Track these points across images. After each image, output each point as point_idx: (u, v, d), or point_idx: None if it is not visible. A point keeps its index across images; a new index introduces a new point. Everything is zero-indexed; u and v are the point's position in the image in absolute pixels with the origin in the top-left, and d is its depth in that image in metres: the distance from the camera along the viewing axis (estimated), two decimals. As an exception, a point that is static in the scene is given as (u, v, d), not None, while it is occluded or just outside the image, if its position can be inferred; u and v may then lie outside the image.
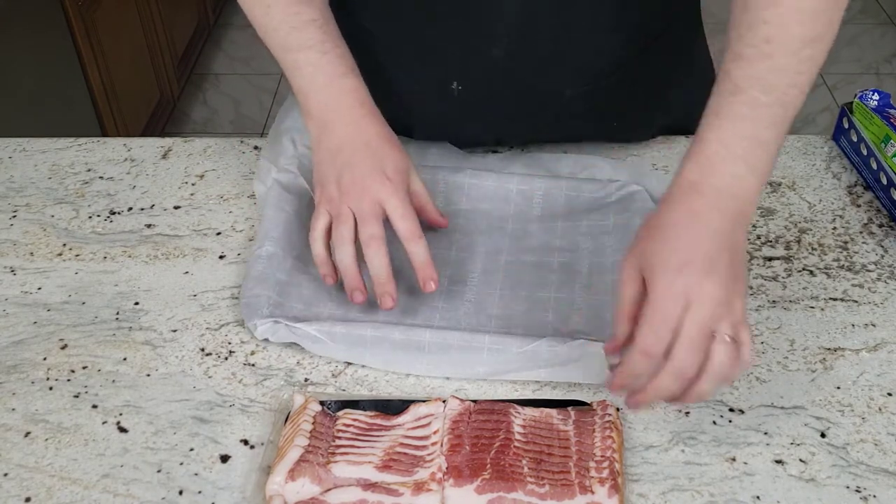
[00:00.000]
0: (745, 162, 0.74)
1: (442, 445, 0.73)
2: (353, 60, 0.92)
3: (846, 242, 0.95)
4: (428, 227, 0.91)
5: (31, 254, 0.96)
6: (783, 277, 0.91)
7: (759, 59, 0.75)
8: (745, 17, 0.76)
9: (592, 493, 0.69)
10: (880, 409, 0.78)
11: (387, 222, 0.86)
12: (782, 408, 0.79)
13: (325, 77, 0.90)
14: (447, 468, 0.71)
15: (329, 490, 0.70)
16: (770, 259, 0.93)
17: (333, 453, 0.72)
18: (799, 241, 0.96)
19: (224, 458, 0.75)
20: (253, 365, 0.83)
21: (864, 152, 1.02)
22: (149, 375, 0.82)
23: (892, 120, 1.00)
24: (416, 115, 1.01)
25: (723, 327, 0.70)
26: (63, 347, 0.85)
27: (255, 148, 1.10)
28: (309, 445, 0.72)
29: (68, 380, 0.82)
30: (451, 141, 1.06)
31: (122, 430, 0.78)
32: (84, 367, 0.83)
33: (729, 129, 0.75)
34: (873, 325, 0.86)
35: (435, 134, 1.04)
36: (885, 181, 0.98)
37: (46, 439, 0.77)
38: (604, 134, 1.06)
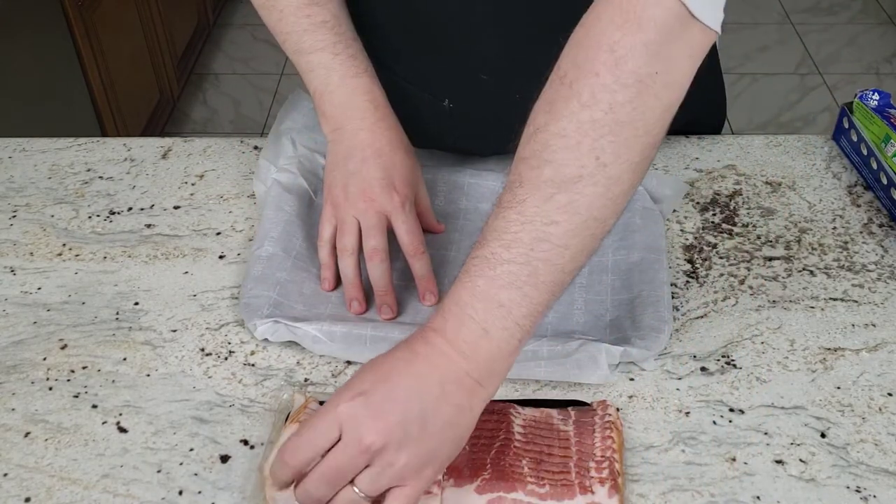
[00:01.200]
0: (476, 325, 0.65)
1: (442, 445, 0.73)
2: (367, 61, 0.92)
3: (846, 242, 0.95)
4: (425, 228, 0.92)
5: (31, 254, 0.96)
6: (783, 277, 0.91)
7: (510, 205, 0.66)
8: (519, 151, 0.68)
9: (592, 493, 0.69)
10: (880, 409, 0.78)
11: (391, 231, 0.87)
12: (782, 408, 0.79)
13: (338, 78, 0.90)
14: (447, 468, 0.71)
15: None
16: (770, 259, 0.93)
17: (333, 453, 0.72)
18: (799, 241, 0.96)
19: (224, 459, 0.75)
20: (253, 365, 0.83)
21: (865, 152, 1.02)
22: (149, 375, 0.82)
23: (892, 120, 1.00)
24: (412, 127, 1.01)
25: (361, 479, 0.63)
26: (63, 347, 0.85)
27: (255, 148, 1.10)
28: (309, 445, 0.72)
29: (68, 380, 0.82)
30: (450, 150, 1.06)
31: (122, 430, 0.78)
32: (84, 368, 0.83)
33: (465, 286, 0.66)
34: (873, 325, 0.86)
35: (433, 144, 1.04)
36: (885, 181, 0.98)
37: (46, 439, 0.77)
38: None
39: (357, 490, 0.63)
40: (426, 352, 0.66)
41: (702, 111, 1.11)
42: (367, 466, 0.63)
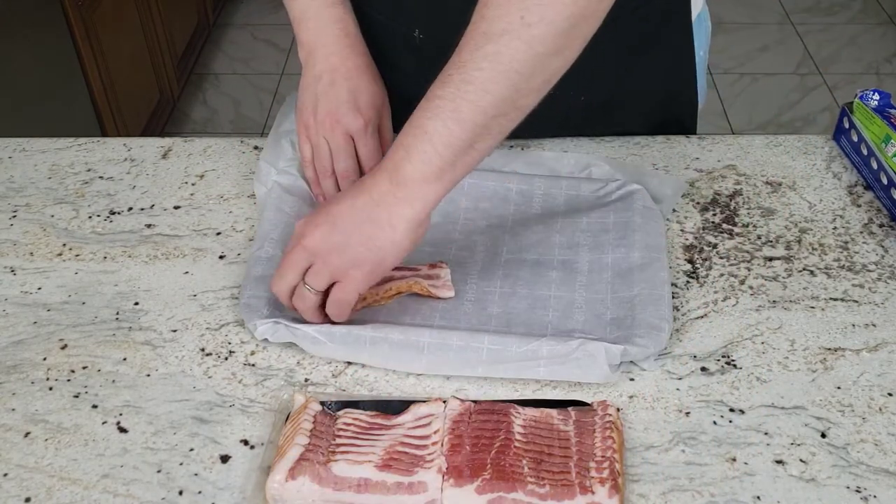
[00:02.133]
0: (404, 148, 0.78)
1: (442, 445, 0.73)
2: None
3: (846, 242, 0.95)
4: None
5: (31, 254, 0.96)
6: (783, 277, 0.91)
7: (455, 53, 0.77)
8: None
9: (593, 493, 0.69)
10: (881, 410, 0.78)
11: None
12: (783, 408, 0.79)
13: (315, 6, 0.97)
14: (447, 468, 0.71)
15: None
16: (770, 259, 0.93)
17: (334, 452, 0.72)
18: (799, 241, 0.96)
19: (224, 459, 0.75)
20: (253, 365, 0.83)
21: (865, 152, 1.02)
22: (149, 375, 0.82)
23: (892, 120, 1.00)
24: (383, 61, 1.04)
25: (308, 277, 0.80)
26: (63, 347, 0.85)
27: (255, 148, 1.10)
28: (309, 444, 0.72)
29: (68, 380, 0.82)
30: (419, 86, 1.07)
31: (122, 430, 0.78)
32: (84, 368, 0.83)
33: (409, 121, 0.79)
34: (874, 325, 0.86)
35: (403, 80, 1.05)
36: (885, 181, 0.98)
37: (46, 439, 0.77)
38: (577, 96, 1.06)
39: (305, 283, 0.81)
40: (365, 180, 0.81)
41: (674, 114, 1.12)
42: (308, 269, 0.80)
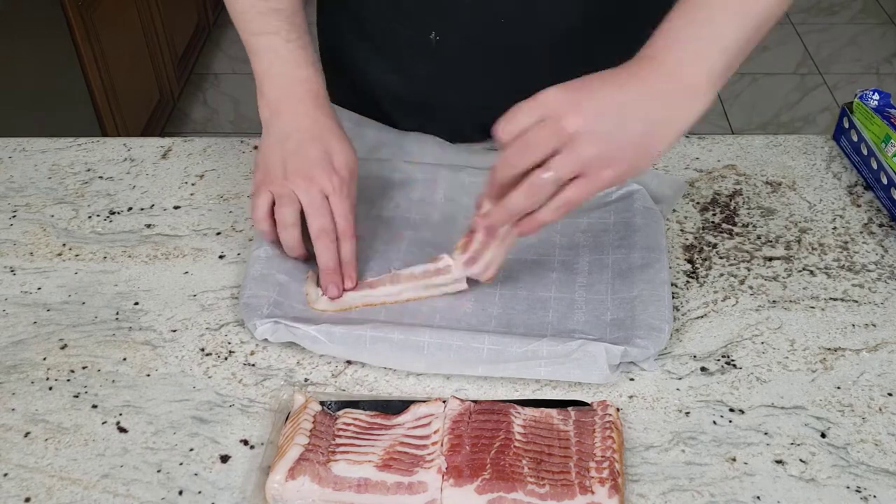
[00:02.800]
0: (683, 44, 0.72)
1: (442, 445, 0.73)
2: (314, 54, 0.93)
3: (846, 242, 0.95)
4: (431, 224, 0.92)
5: (31, 254, 0.96)
6: (783, 277, 0.91)
7: None
8: None
9: (592, 493, 0.69)
10: (881, 410, 0.78)
11: None
12: (782, 408, 0.79)
13: (282, 65, 0.92)
14: (447, 468, 0.71)
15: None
16: (770, 259, 0.93)
17: (333, 452, 0.72)
18: (799, 241, 0.96)
19: (224, 458, 0.75)
20: (253, 365, 0.83)
21: (865, 152, 1.02)
22: (149, 375, 0.82)
23: (892, 120, 1.00)
24: (399, 71, 1.02)
25: (554, 162, 0.70)
26: (63, 347, 0.85)
27: (255, 148, 1.10)
28: (309, 444, 0.72)
29: (68, 380, 0.82)
30: (436, 103, 1.05)
31: (122, 430, 0.78)
32: (84, 367, 0.83)
33: (681, 15, 0.74)
34: (873, 325, 0.86)
35: (419, 97, 1.04)
36: (885, 181, 0.98)
37: (46, 439, 0.77)
38: None
39: (545, 174, 0.70)
40: (632, 71, 0.72)
41: None
42: (554, 156, 0.70)
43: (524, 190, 0.73)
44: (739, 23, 0.72)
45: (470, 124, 1.05)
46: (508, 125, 0.72)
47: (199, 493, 0.73)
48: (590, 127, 0.70)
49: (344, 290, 0.88)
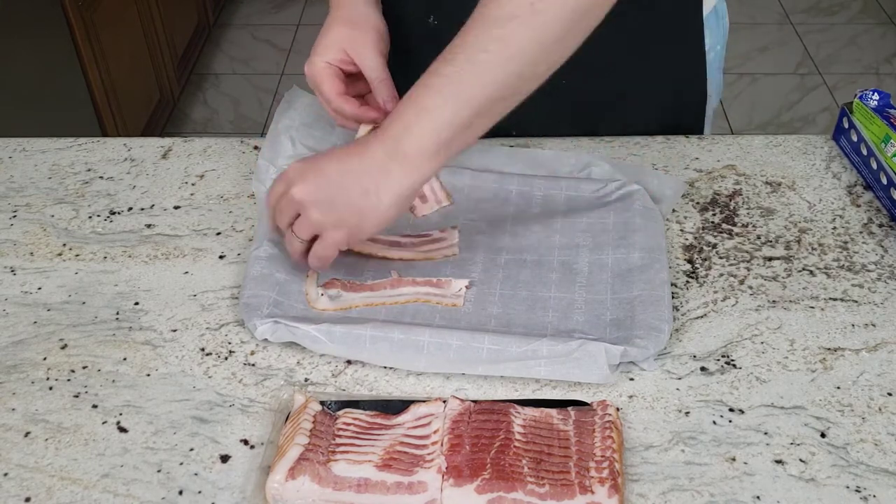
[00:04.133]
0: (403, 123, 0.79)
1: (442, 445, 0.73)
2: None
3: (846, 242, 0.95)
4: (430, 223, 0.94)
5: (31, 254, 0.96)
6: (783, 277, 0.91)
7: (460, 34, 0.79)
8: None
9: (592, 493, 0.69)
10: (880, 409, 0.78)
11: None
12: (782, 408, 0.79)
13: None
14: (447, 468, 0.71)
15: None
16: (770, 259, 0.93)
17: (334, 452, 0.72)
18: (799, 241, 0.96)
19: (224, 458, 0.75)
20: (253, 365, 0.83)
21: (864, 152, 1.02)
22: (149, 375, 0.82)
23: (892, 120, 1.00)
24: (407, 59, 1.02)
25: (295, 225, 0.84)
26: (63, 347, 0.85)
27: (255, 148, 1.10)
28: (309, 444, 0.72)
29: (68, 380, 0.82)
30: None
31: (122, 430, 0.78)
32: (84, 367, 0.83)
33: (408, 94, 0.80)
34: (873, 325, 0.86)
35: (415, 64, 1.05)
36: (885, 181, 0.98)
37: (46, 439, 0.77)
38: (584, 85, 1.05)
39: (293, 231, 0.84)
40: (362, 143, 0.83)
41: (681, 112, 1.12)
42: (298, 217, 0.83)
43: (287, 239, 0.87)
44: (454, 107, 0.78)
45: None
46: (269, 195, 0.86)
47: (199, 493, 0.73)
48: (312, 196, 0.81)
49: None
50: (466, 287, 0.88)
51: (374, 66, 0.94)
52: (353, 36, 0.95)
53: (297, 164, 0.84)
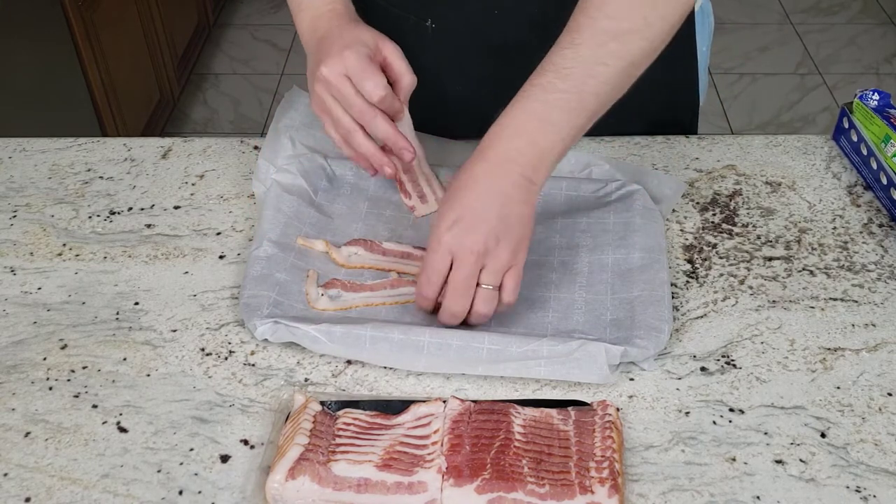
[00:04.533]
0: (528, 137, 0.81)
1: (442, 445, 0.73)
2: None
3: (846, 242, 0.95)
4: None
5: (31, 254, 0.96)
6: (783, 277, 0.91)
7: (567, 46, 0.81)
8: (580, 4, 0.83)
9: (592, 493, 0.69)
10: (880, 409, 0.78)
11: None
12: (782, 408, 0.79)
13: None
14: (447, 468, 0.71)
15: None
16: (770, 259, 0.93)
17: (334, 452, 0.72)
18: (799, 241, 0.96)
19: (224, 458, 0.75)
20: (253, 365, 0.83)
21: (865, 152, 1.02)
22: (149, 375, 0.82)
23: (892, 120, 1.00)
24: None
25: (484, 277, 0.81)
26: (63, 347, 0.85)
27: (255, 148, 1.10)
28: (309, 444, 0.72)
29: (68, 380, 0.82)
30: (434, 91, 1.05)
31: (122, 430, 0.78)
32: (84, 367, 0.83)
33: (522, 108, 0.82)
34: (873, 325, 0.86)
35: (418, 84, 1.05)
36: (885, 181, 0.98)
37: (46, 439, 0.77)
38: None
39: (486, 285, 0.81)
40: (486, 169, 0.82)
41: (674, 111, 1.12)
42: (482, 270, 0.81)
43: (481, 304, 0.82)
44: (577, 120, 0.82)
45: (469, 114, 1.05)
46: (431, 285, 0.83)
47: (199, 493, 0.73)
48: (486, 241, 0.80)
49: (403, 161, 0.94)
50: None
51: (408, 67, 0.93)
52: (374, 33, 0.93)
53: (447, 232, 0.81)
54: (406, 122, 0.95)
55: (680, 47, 1.07)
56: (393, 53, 0.93)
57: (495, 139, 0.82)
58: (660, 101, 1.10)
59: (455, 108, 1.07)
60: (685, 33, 1.07)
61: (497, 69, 1.04)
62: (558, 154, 0.83)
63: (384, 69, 0.92)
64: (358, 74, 0.89)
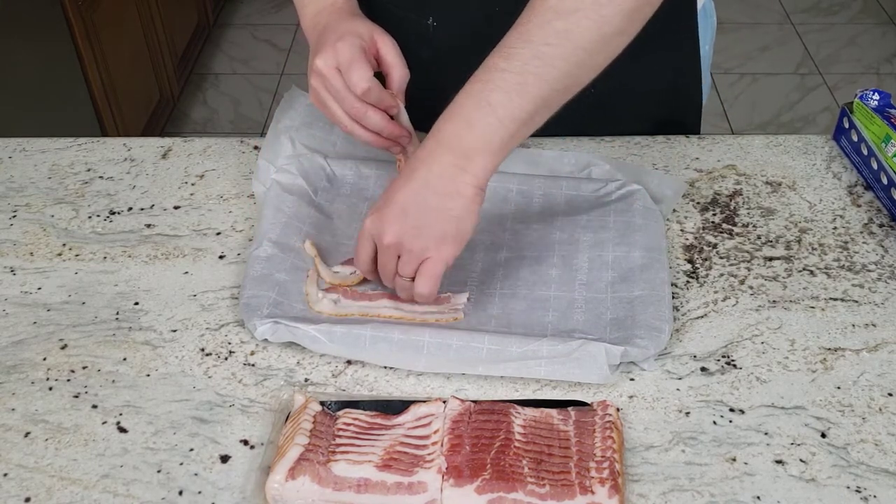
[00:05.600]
0: (465, 120, 0.79)
1: (442, 445, 0.73)
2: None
3: (846, 242, 0.95)
4: None
5: (31, 254, 0.96)
6: (783, 277, 0.91)
7: (515, 27, 0.79)
8: None
9: (593, 493, 0.69)
10: (881, 410, 0.78)
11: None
12: (783, 408, 0.79)
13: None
14: (447, 468, 0.71)
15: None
16: (770, 259, 0.93)
17: (334, 452, 0.72)
18: (799, 241, 0.96)
19: (224, 458, 0.75)
20: (253, 365, 0.83)
21: (865, 152, 1.02)
22: (149, 375, 0.82)
23: (892, 120, 1.00)
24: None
25: (399, 267, 0.82)
26: (63, 347, 0.85)
27: (255, 148, 1.10)
28: (309, 444, 0.72)
29: (68, 380, 0.82)
30: (434, 90, 1.05)
31: (122, 430, 0.78)
32: (84, 367, 0.83)
33: (464, 90, 0.80)
34: (874, 325, 0.86)
35: (417, 83, 1.04)
36: (885, 181, 0.98)
37: (46, 439, 0.77)
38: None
39: (401, 276, 0.83)
40: (421, 156, 0.81)
41: (678, 111, 1.12)
42: (399, 259, 0.82)
43: (399, 291, 0.85)
44: (518, 101, 0.78)
45: None
46: (359, 261, 0.86)
47: (199, 493, 0.73)
48: (402, 231, 0.80)
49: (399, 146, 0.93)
50: (467, 299, 0.88)
51: (401, 60, 0.92)
52: (370, 26, 0.92)
53: (370, 218, 0.82)
54: (402, 116, 0.93)
55: (683, 47, 1.07)
56: (386, 45, 0.92)
57: (438, 122, 0.81)
58: (664, 101, 1.10)
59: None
60: (688, 33, 1.07)
61: None
62: (500, 140, 0.79)
63: (378, 62, 0.92)
64: (345, 66, 0.88)
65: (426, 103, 1.05)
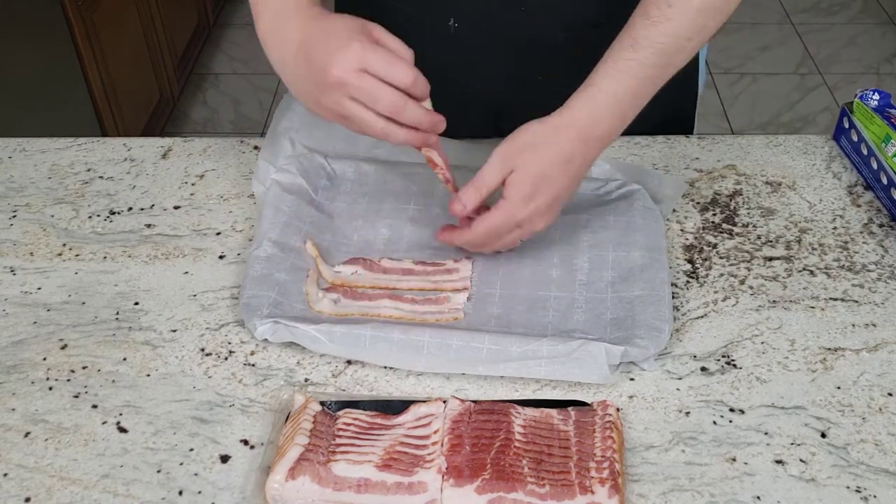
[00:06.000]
0: (622, 115, 0.86)
1: (442, 445, 0.73)
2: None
3: (846, 242, 0.95)
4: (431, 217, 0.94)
5: (31, 254, 0.96)
6: (783, 277, 0.91)
7: (661, 21, 0.84)
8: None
9: (593, 493, 0.69)
10: (881, 410, 0.78)
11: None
12: (783, 408, 0.79)
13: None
14: (447, 468, 0.71)
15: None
16: (770, 259, 0.93)
17: (334, 452, 0.72)
18: (799, 241, 0.96)
19: (224, 458, 0.75)
20: (253, 365, 0.83)
21: (865, 152, 1.02)
22: (149, 375, 0.82)
23: (892, 119, 1.00)
24: (419, 62, 1.00)
25: (516, 237, 0.88)
26: (63, 347, 0.85)
27: (255, 148, 1.10)
28: (309, 444, 0.72)
29: (68, 380, 0.82)
30: (451, 90, 1.04)
31: (122, 430, 0.78)
32: (84, 367, 0.83)
33: (621, 84, 0.85)
34: (874, 325, 0.86)
35: (434, 84, 1.02)
36: (885, 181, 0.98)
37: (46, 439, 0.77)
38: None
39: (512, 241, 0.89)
40: (578, 149, 0.86)
41: (675, 101, 1.12)
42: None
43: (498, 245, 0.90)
44: (640, 85, 0.86)
45: (482, 112, 1.05)
46: (483, 188, 0.87)
47: (199, 493, 0.73)
48: (548, 223, 0.87)
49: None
50: (467, 299, 0.88)
51: (401, 41, 0.85)
52: (353, 17, 0.85)
53: (514, 188, 0.86)
54: (428, 101, 0.86)
55: None
56: (383, 33, 0.85)
57: (595, 112, 0.86)
58: (663, 90, 1.10)
59: (476, 107, 1.07)
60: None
61: (521, 68, 1.04)
62: (620, 125, 0.86)
63: None
64: (380, 64, 0.80)
65: (443, 103, 1.05)
